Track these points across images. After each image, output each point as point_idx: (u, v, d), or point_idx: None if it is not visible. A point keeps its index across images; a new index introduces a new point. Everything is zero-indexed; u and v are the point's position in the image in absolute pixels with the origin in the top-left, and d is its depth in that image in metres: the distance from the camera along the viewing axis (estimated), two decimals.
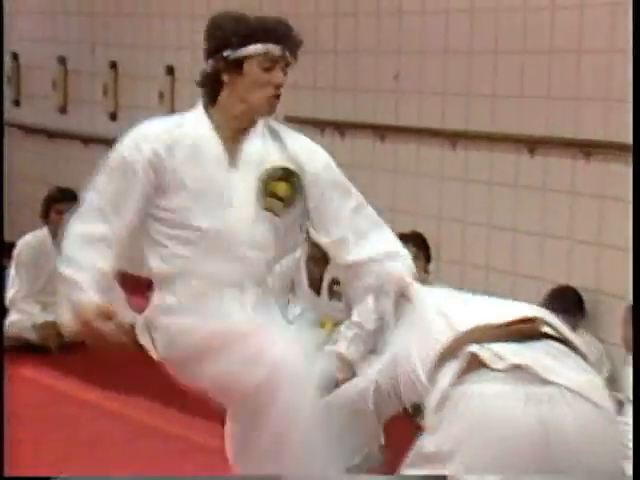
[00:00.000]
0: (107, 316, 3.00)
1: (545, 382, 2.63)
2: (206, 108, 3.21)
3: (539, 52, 5.82)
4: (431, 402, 2.72)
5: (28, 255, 7.13)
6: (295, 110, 7.06)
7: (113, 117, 8.67)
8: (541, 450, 2.55)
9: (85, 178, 6.97)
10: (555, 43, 5.73)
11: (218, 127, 3.21)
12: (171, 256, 3.22)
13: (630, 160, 5.37)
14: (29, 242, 7.15)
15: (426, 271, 6.02)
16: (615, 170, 5.64)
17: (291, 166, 3.22)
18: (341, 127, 7.16)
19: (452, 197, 6.50)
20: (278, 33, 3.09)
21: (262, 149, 3.22)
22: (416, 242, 5.96)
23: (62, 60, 9.17)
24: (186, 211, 3.18)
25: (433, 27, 6.48)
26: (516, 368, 2.67)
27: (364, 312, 3.73)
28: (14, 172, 9.69)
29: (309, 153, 3.26)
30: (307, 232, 7.01)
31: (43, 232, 7.16)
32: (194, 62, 7.96)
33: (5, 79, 9.59)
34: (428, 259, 6.07)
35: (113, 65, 8.50)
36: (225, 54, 3.10)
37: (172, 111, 8.00)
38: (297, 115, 7.05)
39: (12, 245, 7.32)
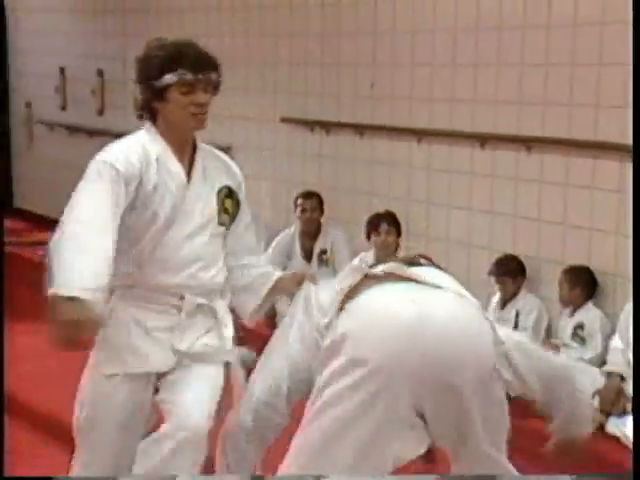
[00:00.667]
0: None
1: (424, 287, 2.81)
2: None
3: (489, 64, 6.34)
4: (331, 308, 2.90)
5: None
6: (289, 112, 7.85)
7: (141, 117, 9.12)
8: (418, 337, 2.67)
9: None
10: (501, 58, 6.26)
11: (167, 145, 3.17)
12: (120, 269, 3.02)
13: (564, 151, 5.94)
14: None
15: (397, 244, 6.57)
16: (551, 160, 6.08)
17: (233, 184, 3.25)
18: (327, 126, 7.69)
19: (418, 183, 6.97)
20: (189, 59, 3.06)
21: (209, 168, 3.21)
22: (389, 219, 6.60)
23: (100, 72, 9.92)
24: (148, 223, 3.08)
25: (402, 44, 6.98)
26: (398, 278, 2.87)
27: None
28: (60, 163, 10.36)
29: (239, 174, 3.31)
30: (302, 211, 7.41)
31: None
32: None
33: (54, 89, 10.43)
34: (399, 234, 6.59)
35: None
36: (150, 84, 3.11)
37: None
38: (291, 116, 7.77)
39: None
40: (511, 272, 6.21)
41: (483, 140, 6.40)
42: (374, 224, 6.65)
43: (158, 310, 3.15)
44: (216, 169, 3.20)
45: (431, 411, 2.77)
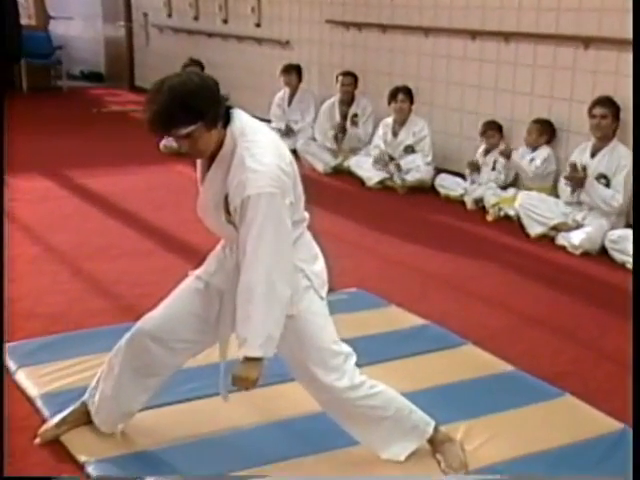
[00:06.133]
0: None
1: None
2: None
3: None
4: None
5: None
6: (332, 16, 10.43)
7: (258, 25, 11.92)
8: None
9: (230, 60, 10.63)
10: None
11: None
12: None
13: (533, 41, 7.66)
14: None
15: (410, 109, 8.88)
16: (524, 48, 7.85)
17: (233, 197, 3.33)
18: (359, 25, 10.13)
19: (425, 65, 9.13)
20: (147, 123, 3.23)
21: (219, 176, 3.37)
22: (404, 91, 8.87)
23: None
24: None
25: None
26: None
27: None
28: (167, 54, 13.18)
29: (236, 188, 3.29)
30: (341, 85, 9.71)
31: None
32: None
33: (163, 3, 13.67)
34: (412, 102, 8.86)
35: None
36: None
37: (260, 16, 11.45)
38: (333, 19, 10.47)
39: None
40: (496, 131, 8.23)
41: (474, 34, 8.63)
42: (393, 94, 8.99)
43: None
44: (223, 175, 3.37)
45: None
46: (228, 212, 3.42)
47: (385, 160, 8.94)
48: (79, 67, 16.02)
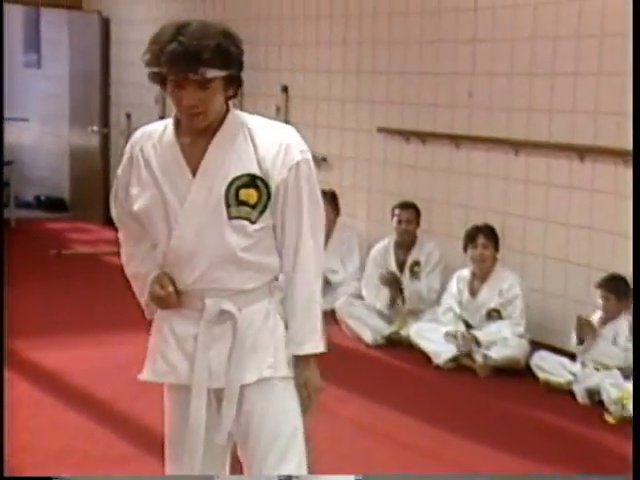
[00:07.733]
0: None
1: None
2: None
3: (589, 74, 8.36)
4: None
5: None
6: (386, 122, 10.35)
7: None
8: None
9: None
10: (603, 68, 8.18)
11: (179, 132, 3.77)
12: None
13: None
14: None
15: (494, 258, 8.76)
16: None
17: (258, 172, 3.63)
18: (423, 136, 10.16)
19: (516, 196, 9.14)
20: (167, 55, 3.46)
21: (227, 154, 3.65)
22: (487, 232, 8.80)
23: None
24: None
25: (500, 53, 9.11)
26: None
27: None
28: None
29: (275, 158, 3.64)
30: (398, 221, 9.65)
31: None
32: (304, 81, 11.36)
33: (154, 100, 13.56)
34: (496, 247, 8.76)
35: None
36: (152, 70, 3.60)
37: (286, 121, 11.19)
38: (388, 126, 10.31)
39: None
40: (618, 291, 8.00)
41: (582, 152, 8.58)
42: (472, 236, 8.92)
43: (185, 314, 3.89)
44: (235, 154, 3.66)
45: None
46: (238, 202, 3.69)
47: (467, 342, 8.79)
48: (33, 191, 16.04)
